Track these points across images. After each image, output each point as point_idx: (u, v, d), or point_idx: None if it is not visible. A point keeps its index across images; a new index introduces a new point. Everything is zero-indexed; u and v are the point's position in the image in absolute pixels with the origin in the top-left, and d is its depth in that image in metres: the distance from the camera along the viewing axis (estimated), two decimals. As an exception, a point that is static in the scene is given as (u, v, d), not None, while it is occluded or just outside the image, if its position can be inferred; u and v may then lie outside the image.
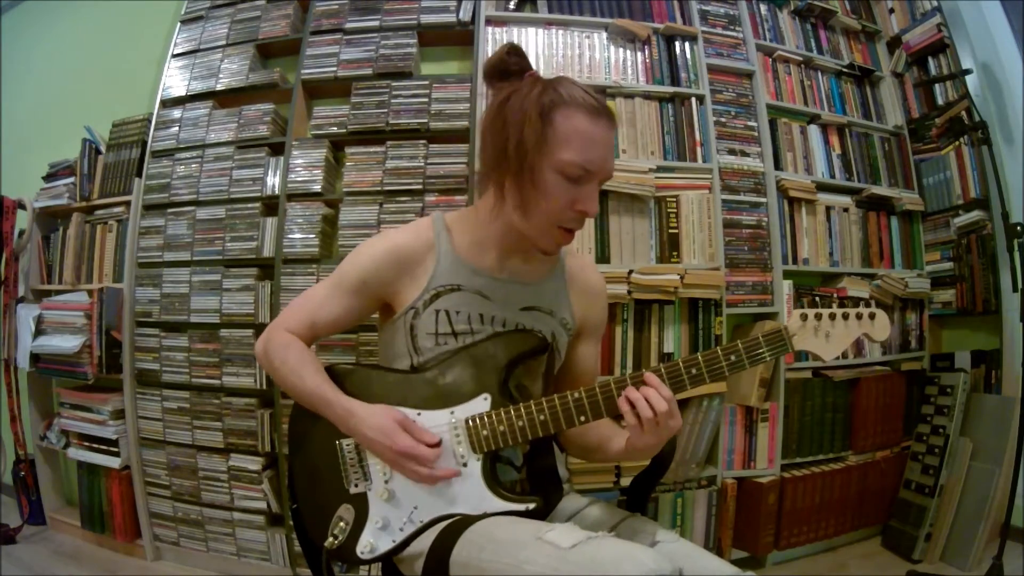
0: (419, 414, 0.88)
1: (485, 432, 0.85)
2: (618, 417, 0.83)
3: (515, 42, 0.92)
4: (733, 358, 0.80)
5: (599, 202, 0.90)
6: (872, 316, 0.82)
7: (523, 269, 0.97)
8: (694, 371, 0.80)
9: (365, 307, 0.97)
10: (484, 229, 0.94)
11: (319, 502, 0.92)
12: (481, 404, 0.87)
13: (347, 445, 0.90)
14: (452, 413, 0.87)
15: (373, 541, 0.87)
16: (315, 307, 0.96)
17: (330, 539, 0.86)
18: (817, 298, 1.92)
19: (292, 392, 0.93)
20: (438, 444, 0.85)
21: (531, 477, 0.93)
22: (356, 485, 0.90)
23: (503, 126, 0.85)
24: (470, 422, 0.86)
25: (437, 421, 0.88)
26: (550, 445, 0.95)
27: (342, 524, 0.87)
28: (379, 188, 1.75)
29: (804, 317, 0.81)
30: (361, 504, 0.89)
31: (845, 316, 0.82)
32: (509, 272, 0.96)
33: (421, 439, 0.84)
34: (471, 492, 0.85)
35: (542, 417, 0.84)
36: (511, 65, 0.89)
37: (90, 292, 1.88)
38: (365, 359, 1.67)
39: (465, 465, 0.86)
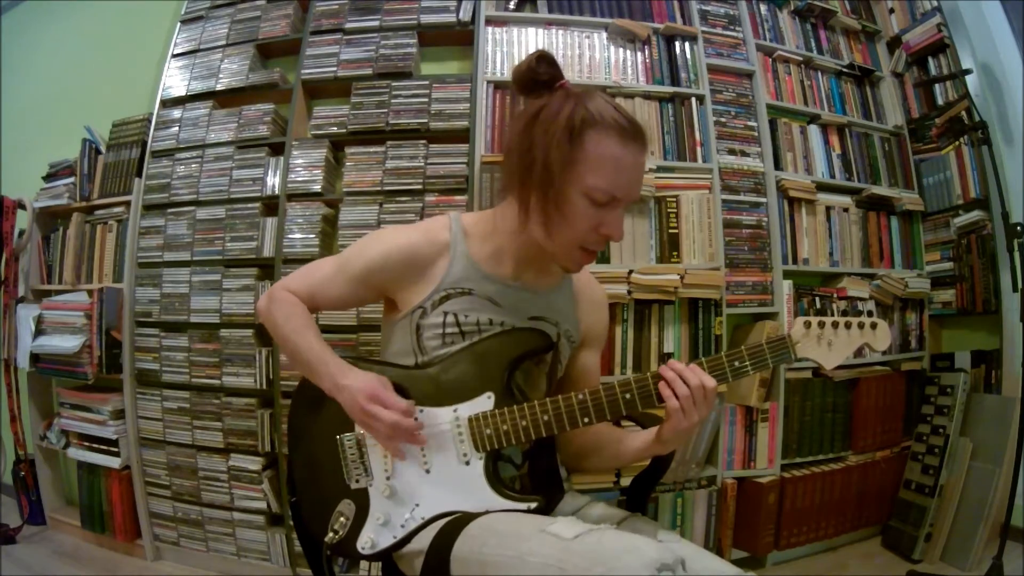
0: (421, 411, 0.88)
1: (488, 431, 0.85)
2: (620, 418, 0.82)
3: (545, 49, 0.90)
4: (737, 364, 0.81)
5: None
6: (874, 326, 0.83)
7: (535, 279, 0.97)
8: None
9: (365, 296, 0.97)
10: (503, 239, 0.94)
11: (319, 497, 0.92)
12: (485, 403, 0.87)
13: (348, 440, 0.90)
14: (455, 411, 0.87)
15: (374, 537, 0.87)
16: (317, 283, 0.97)
17: (330, 534, 0.86)
18: (817, 298, 1.92)
19: (289, 349, 0.93)
20: (411, 413, 0.85)
21: (532, 476, 0.93)
22: (357, 480, 0.90)
23: (531, 144, 0.83)
24: (473, 420, 0.86)
25: (440, 418, 0.88)
26: (552, 445, 0.95)
27: (342, 519, 0.87)
28: (379, 188, 1.75)
29: (808, 325, 0.82)
30: (362, 499, 0.89)
31: (847, 325, 0.82)
32: (522, 281, 0.96)
33: (395, 399, 0.85)
34: (473, 490, 0.85)
35: (546, 418, 0.84)
36: (540, 75, 0.86)
37: (90, 292, 1.88)
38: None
39: (468, 463, 0.86)
